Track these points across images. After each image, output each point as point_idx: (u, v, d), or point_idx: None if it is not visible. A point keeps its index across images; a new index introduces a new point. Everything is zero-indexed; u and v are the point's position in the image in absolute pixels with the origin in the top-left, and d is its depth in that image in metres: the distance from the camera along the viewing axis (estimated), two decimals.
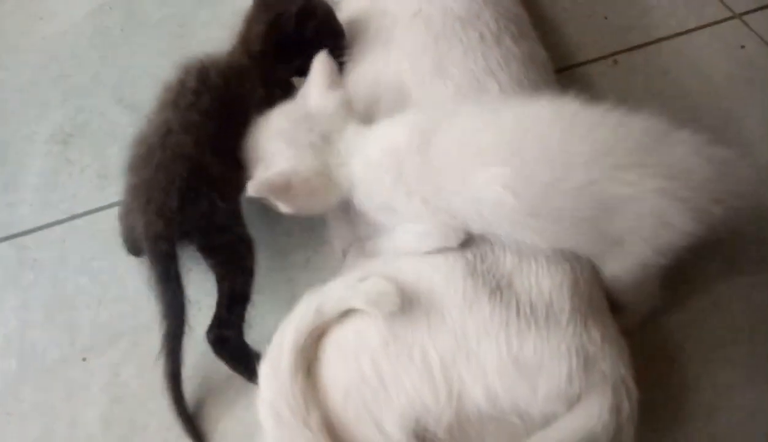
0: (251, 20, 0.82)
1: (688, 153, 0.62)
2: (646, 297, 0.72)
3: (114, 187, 0.89)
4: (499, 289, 0.62)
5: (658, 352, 0.78)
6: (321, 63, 0.75)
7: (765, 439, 0.74)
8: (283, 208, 0.70)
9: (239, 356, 0.71)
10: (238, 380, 0.72)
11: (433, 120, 0.67)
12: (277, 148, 0.70)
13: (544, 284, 0.63)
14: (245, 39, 0.82)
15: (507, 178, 0.61)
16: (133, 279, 0.81)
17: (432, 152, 0.65)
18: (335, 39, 0.85)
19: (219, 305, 0.71)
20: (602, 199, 0.60)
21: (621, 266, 0.65)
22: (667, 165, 0.60)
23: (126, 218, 0.74)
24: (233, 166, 0.71)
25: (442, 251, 0.66)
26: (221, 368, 0.72)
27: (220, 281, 0.71)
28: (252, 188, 0.66)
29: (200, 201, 0.68)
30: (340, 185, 0.70)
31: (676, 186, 0.59)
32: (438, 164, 0.65)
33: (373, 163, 0.69)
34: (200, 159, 0.69)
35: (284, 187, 0.67)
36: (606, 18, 1.14)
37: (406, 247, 0.69)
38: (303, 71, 0.78)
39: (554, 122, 0.63)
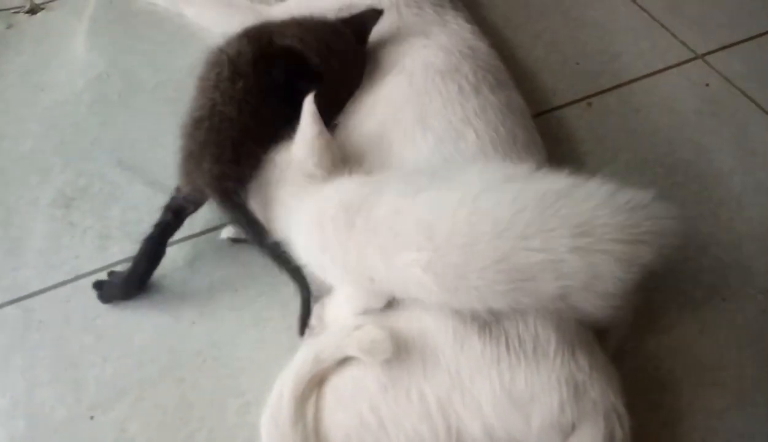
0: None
1: (594, 206, 0.62)
2: (621, 322, 0.73)
3: (116, 247, 0.92)
4: (487, 325, 0.65)
5: (649, 379, 0.80)
6: (308, 109, 0.78)
7: None
8: None
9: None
10: None
11: (359, 197, 0.70)
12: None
13: (529, 318, 0.65)
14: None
15: (424, 262, 0.63)
16: (137, 335, 0.83)
17: (356, 229, 0.68)
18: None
19: None
20: (518, 270, 0.61)
21: (578, 312, 0.65)
22: (574, 224, 0.60)
23: (188, 178, 0.80)
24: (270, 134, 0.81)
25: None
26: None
27: None
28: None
29: (248, 153, 0.79)
30: None
31: (588, 241, 0.60)
32: (362, 240, 0.68)
33: (302, 229, 0.73)
34: (245, 121, 0.79)
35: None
36: (578, 64, 1.20)
37: (339, 309, 0.72)
38: None
39: (460, 206, 0.64)
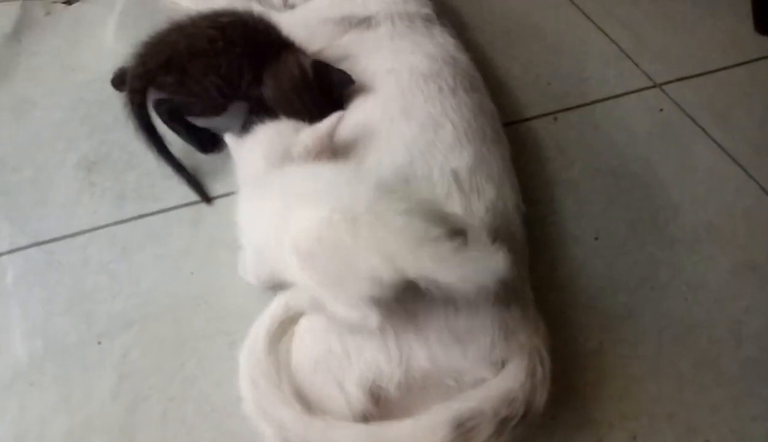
0: None
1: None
2: None
3: (130, 207, 1.03)
4: None
5: (581, 347, 0.92)
6: (332, 120, 0.89)
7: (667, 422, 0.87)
8: None
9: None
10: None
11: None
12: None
13: None
14: None
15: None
16: (144, 279, 0.94)
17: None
18: None
19: None
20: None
21: None
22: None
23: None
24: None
25: None
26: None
27: None
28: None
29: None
30: None
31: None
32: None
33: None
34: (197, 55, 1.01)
35: None
36: (549, 84, 1.34)
37: None
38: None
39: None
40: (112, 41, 1.33)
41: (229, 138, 0.94)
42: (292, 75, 1.02)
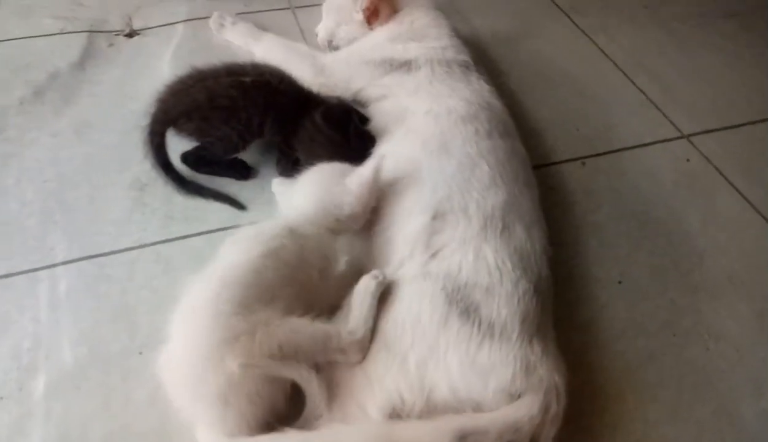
0: None
1: None
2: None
3: (176, 227, 1.08)
4: (467, 310, 0.79)
5: (599, 389, 0.92)
6: (374, 164, 0.92)
7: None
8: None
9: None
10: None
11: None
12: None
13: (503, 312, 0.80)
14: None
15: None
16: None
17: None
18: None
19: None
20: None
21: None
22: None
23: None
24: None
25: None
26: None
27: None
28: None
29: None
30: None
31: None
32: None
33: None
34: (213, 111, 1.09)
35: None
36: (578, 129, 1.36)
37: None
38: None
39: None
40: (168, 72, 1.40)
41: (276, 186, 1.01)
42: (307, 129, 1.09)
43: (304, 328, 0.76)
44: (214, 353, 0.71)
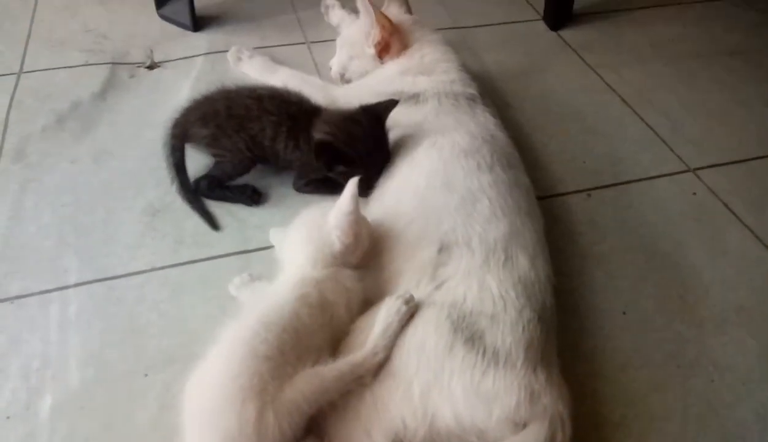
0: None
1: None
2: None
3: (186, 251, 1.09)
4: (472, 340, 0.78)
5: (603, 419, 0.90)
6: (350, 190, 0.90)
7: None
8: None
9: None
10: None
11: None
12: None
13: (508, 339, 0.79)
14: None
15: None
16: (192, 320, 0.99)
17: None
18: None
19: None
20: None
21: None
22: None
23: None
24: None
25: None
26: None
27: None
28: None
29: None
30: None
31: None
32: None
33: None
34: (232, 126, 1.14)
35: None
36: (584, 162, 1.36)
37: None
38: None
39: None
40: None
41: (273, 237, 1.03)
42: (309, 145, 1.11)
43: (330, 373, 0.75)
44: (237, 393, 0.70)
